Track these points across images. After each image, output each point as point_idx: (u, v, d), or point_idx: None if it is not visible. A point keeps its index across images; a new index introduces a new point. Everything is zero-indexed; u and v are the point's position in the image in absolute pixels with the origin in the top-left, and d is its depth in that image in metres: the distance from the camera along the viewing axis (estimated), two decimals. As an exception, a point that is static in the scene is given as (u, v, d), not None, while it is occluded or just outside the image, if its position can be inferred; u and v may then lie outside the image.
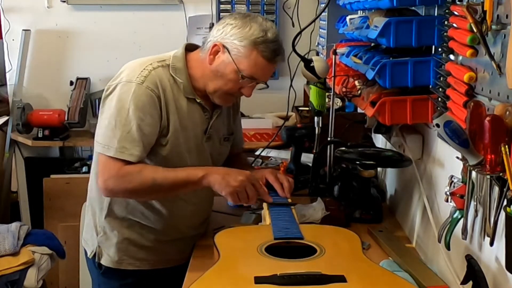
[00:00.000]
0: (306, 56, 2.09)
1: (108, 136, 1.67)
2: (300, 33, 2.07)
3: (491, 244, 1.19)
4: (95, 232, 1.88)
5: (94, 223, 1.88)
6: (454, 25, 1.38)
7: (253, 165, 2.52)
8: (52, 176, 3.73)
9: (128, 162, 1.65)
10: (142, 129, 1.66)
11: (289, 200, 1.83)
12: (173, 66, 1.74)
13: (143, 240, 1.85)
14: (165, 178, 1.68)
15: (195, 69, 1.76)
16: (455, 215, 1.36)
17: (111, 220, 1.84)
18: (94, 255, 1.88)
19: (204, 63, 1.73)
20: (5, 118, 3.83)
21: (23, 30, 3.88)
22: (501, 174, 1.11)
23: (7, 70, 3.96)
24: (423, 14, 1.76)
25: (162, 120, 1.70)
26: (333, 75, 2.17)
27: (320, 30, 3.21)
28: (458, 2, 1.40)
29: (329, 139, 2.26)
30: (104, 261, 1.87)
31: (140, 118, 1.66)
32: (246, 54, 1.67)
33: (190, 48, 1.81)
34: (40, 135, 3.75)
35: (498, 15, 1.18)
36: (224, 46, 1.69)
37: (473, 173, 1.25)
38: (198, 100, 1.77)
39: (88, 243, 1.93)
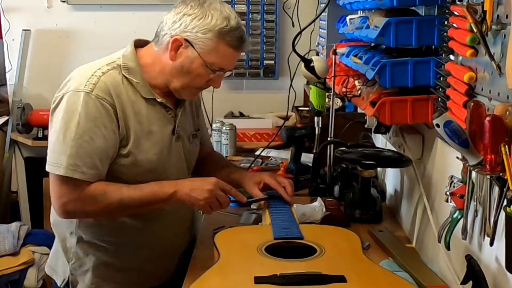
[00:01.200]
0: (306, 56, 2.10)
1: (57, 152, 1.51)
2: (300, 33, 2.07)
3: (491, 244, 1.19)
4: (66, 259, 1.71)
5: (64, 249, 1.71)
6: (454, 25, 1.38)
7: (252, 165, 2.52)
8: (52, 176, 3.73)
9: (84, 182, 1.51)
10: (95, 142, 1.51)
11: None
12: (125, 66, 1.61)
13: (122, 262, 1.70)
14: (131, 198, 1.56)
15: (151, 65, 1.63)
16: (455, 215, 1.36)
17: (83, 244, 1.67)
18: (67, 283, 1.71)
19: (162, 59, 1.61)
20: (5, 118, 3.84)
21: (23, 30, 3.88)
22: (501, 174, 1.11)
23: (7, 70, 3.97)
24: (423, 14, 1.76)
25: (120, 130, 1.56)
26: (333, 75, 2.17)
27: (320, 30, 3.21)
28: (458, 2, 1.40)
29: (329, 139, 2.26)
30: None
31: (92, 130, 1.51)
32: (213, 47, 1.56)
33: (139, 44, 1.69)
34: (40, 135, 3.76)
35: (498, 15, 1.18)
36: (186, 40, 1.56)
37: (473, 173, 1.25)
38: (158, 100, 1.64)
39: (57, 272, 1.75)
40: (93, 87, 1.54)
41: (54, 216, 1.72)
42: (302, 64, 2.05)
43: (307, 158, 2.55)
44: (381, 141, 2.43)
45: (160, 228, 1.72)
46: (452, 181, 1.36)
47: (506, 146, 1.06)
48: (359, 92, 1.97)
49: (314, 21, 2.20)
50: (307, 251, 1.48)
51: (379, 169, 2.42)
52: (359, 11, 2.21)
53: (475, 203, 1.27)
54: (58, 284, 1.75)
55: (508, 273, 1.14)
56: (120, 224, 1.67)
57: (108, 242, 1.69)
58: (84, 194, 1.52)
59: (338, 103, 2.72)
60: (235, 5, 3.81)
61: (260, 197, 1.78)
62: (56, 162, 1.51)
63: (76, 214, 1.60)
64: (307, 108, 3.20)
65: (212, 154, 1.97)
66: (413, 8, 1.77)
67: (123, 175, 1.60)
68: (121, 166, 1.60)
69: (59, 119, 1.54)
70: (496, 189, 1.17)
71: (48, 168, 1.53)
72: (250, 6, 3.81)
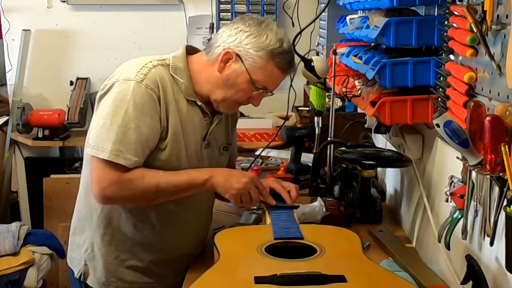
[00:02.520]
0: (306, 56, 2.09)
1: (101, 137, 1.55)
2: (300, 33, 2.06)
3: (491, 244, 1.19)
4: (82, 249, 1.74)
5: (82, 238, 1.75)
6: (454, 25, 1.39)
7: (252, 165, 2.52)
8: (52, 176, 3.73)
9: (124, 168, 1.54)
10: (140, 131, 1.55)
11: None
12: (174, 66, 1.65)
13: (134, 261, 1.72)
14: (168, 183, 1.59)
15: (199, 72, 1.67)
16: (455, 215, 1.36)
17: (100, 235, 1.71)
18: (81, 275, 1.74)
19: (211, 69, 1.65)
20: (5, 118, 3.84)
21: (23, 30, 3.88)
22: (501, 174, 1.11)
23: (7, 70, 3.97)
24: (423, 14, 1.76)
25: (162, 122, 1.60)
26: (333, 75, 2.17)
27: (320, 30, 3.22)
28: (458, 2, 1.41)
29: (329, 139, 2.26)
30: (91, 282, 1.74)
31: (139, 119, 1.55)
32: (262, 65, 1.60)
33: (190, 50, 1.72)
34: (40, 135, 3.76)
35: (498, 15, 1.18)
36: (237, 55, 1.60)
37: (473, 173, 1.25)
38: (199, 103, 1.67)
39: (74, 262, 1.78)
40: (143, 77, 1.58)
41: (78, 205, 1.77)
42: (302, 64, 2.05)
43: (307, 158, 2.55)
44: (381, 141, 2.43)
45: (178, 233, 1.73)
46: (452, 181, 1.36)
47: (506, 146, 1.06)
48: (359, 92, 1.97)
49: (314, 21, 2.19)
50: (307, 251, 1.47)
51: (379, 169, 2.42)
52: (359, 11, 2.21)
53: (475, 203, 1.27)
54: (74, 275, 1.77)
55: (508, 273, 1.14)
56: (140, 221, 1.69)
57: (124, 238, 1.71)
58: (122, 178, 1.55)
59: (338, 103, 2.73)
60: (235, 5, 3.81)
61: (274, 202, 1.75)
62: (100, 147, 1.54)
63: (114, 199, 1.61)
64: (307, 108, 3.20)
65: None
66: (413, 8, 1.77)
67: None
68: (158, 160, 1.62)
69: (107, 105, 1.57)
70: (496, 189, 1.17)
71: (91, 151, 1.56)
72: (250, 6, 3.82)
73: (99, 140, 1.56)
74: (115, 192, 1.57)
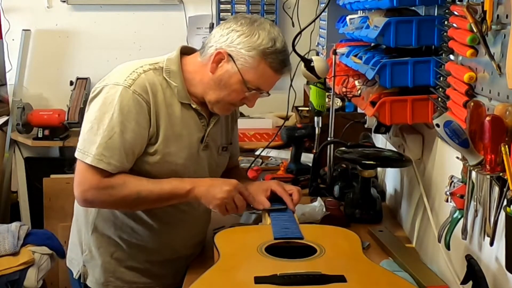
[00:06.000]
0: (306, 56, 2.09)
1: (88, 141, 1.55)
2: (300, 33, 2.06)
3: (491, 244, 1.19)
4: (80, 250, 1.75)
5: (79, 240, 1.76)
6: (454, 25, 1.39)
7: (252, 165, 2.52)
8: (52, 176, 3.74)
9: (107, 173, 1.54)
10: (125, 136, 1.54)
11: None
12: (167, 69, 1.63)
13: (132, 261, 1.72)
14: (150, 191, 1.57)
15: (193, 74, 1.65)
16: (455, 215, 1.36)
17: (97, 237, 1.71)
18: (80, 275, 1.75)
19: (204, 70, 1.63)
20: (5, 118, 3.85)
21: (23, 30, 3.89)
22: (501, 174, 1.11)
23: (7, 70, 3.97)
24: (423, 14, 1.76)
25: (151, 128, 1.58)
26: (333, 75, 2.17)
27: (320, 30, 3.22)
28: (458, 2, 1.41)
29: (329, 139, 2.26)
30: (90, 283, 1.74)
31: (124, 124, 1.54)
32: (254, 65, 1.58)
33: (186, 51, 1.70)
34: (40, 135, 3.77)
35: (498, 15, 1.18)
36: (229, 55, 1.58)
37: (473, 173, 1.25)
38: (193, 106, 1.65)
39: (73, 263, 1.80)
40: (132, 83, 1.58)
41: (76, 207, 1.77)
42: (302, 64, 2.05)
43: (307, 158, 2.55)
44: (381, 141, 2.43)
45: (175, 234, 1.73)
46: (452, 181, 1.36)
47: (506, 146, 1.06)
48: (359, 92, 1.97)
49: (314, 21, 2.19)
50: (307, 251, 1.47)
51: (379, 169, 2.42)
52: (359, 11, 2.21)
53: (475, 203, 1.27)
54: (74, 275, 1.78)
55: (508, 273, 1.14)
56: (136, 222, 1.69)
57: (121, 239, 1.71)
58: (104, 183, 1.55)
59: (338, 103, 2.73)
60: (235, 5, 3.81)
61: (268, 206, 1.72)
62: (86, 151, 1.55)
63: (94, 203, 1.62)
64: (307, 108, 3.20)
65: (236, 169, 1.96)
66: (413, 8, 1.77)
67: (147, 174, 1.61)
68: (147, 164, 1.61)
69: (95, 109, 1.58)
70: (496, 189, 1.17)
71: (76, 154, 1.57)
72: (250, 6, 3.82)
73: (85, 144, 1.56)
74: (95, 196, 1.57)
